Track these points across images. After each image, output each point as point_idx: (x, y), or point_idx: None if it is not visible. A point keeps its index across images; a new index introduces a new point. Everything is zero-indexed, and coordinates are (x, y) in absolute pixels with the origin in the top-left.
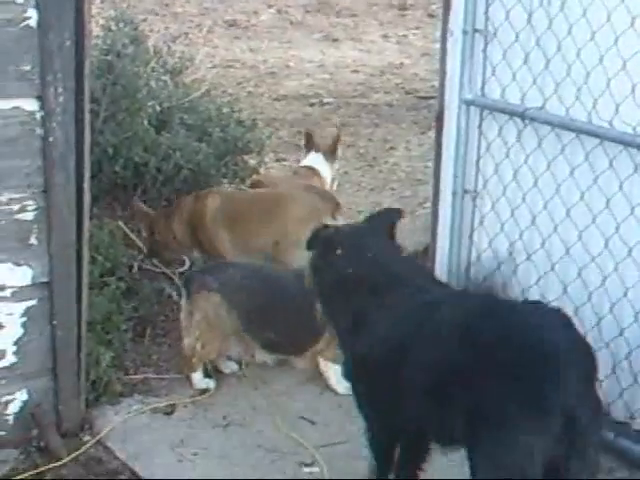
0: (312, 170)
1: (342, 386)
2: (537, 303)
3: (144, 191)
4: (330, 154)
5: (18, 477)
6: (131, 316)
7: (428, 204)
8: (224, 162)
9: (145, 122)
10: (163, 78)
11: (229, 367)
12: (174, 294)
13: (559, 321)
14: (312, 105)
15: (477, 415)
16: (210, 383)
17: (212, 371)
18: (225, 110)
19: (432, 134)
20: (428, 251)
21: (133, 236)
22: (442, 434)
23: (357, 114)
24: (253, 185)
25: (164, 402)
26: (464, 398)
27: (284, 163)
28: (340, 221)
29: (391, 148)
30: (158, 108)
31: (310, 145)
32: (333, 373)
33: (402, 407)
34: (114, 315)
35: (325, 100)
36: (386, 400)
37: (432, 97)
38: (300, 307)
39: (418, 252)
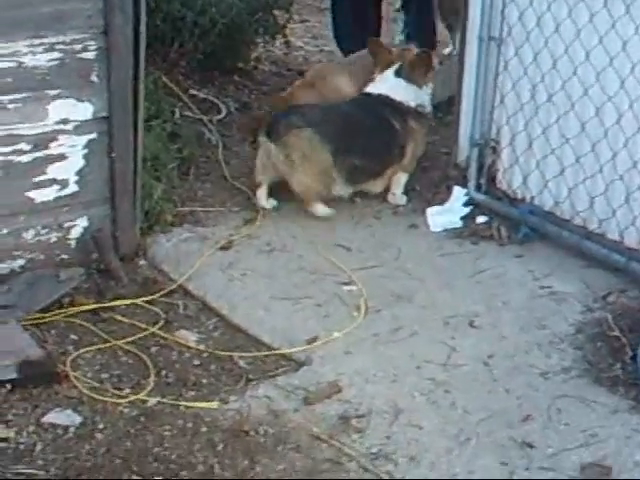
0: None
1: (404, 199)
2: None
3: (181, 44)
4: None
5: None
6: (176, 157)
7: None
8: (255, 18)
9: None
10: None
11: (270, 203)
12: (213, 138)
13: None
14: None
15: None
16: (330, 210)
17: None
18: None
19: None
20: (452, 101)
21: (172, 85)
22: None
23: None
24: None
25: (210, 231)
26: None
27: (307, 24)
28: None
29: None
30: None
31: None
32: (402, 186)
33: None
34: (161, 154)
35: None
36: None
37: None
38: (382, 130)
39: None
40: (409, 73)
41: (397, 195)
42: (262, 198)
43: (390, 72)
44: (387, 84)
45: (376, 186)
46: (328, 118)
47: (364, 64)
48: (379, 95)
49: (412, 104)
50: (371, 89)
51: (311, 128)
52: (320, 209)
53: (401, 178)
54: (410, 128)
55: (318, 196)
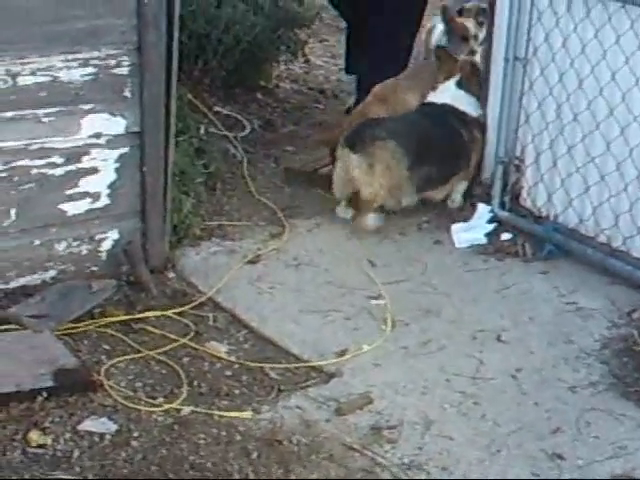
0: None
1: (462, 201)
2: None
3: (205, 62)
4: None
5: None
6: (202, 172)
7: None
8: (277, 35)
9: None
10: None
11: (348, 213)
12: (238, 154)
13: None
14: None
15: None
16: (380, 221)
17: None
18: None
19: None
20: None
21: (197, 102)
22: None
23: None
24: None
25: (238, 245)
26: None
27: (326, 43)
28: None
29: None
30: None
31: None
32: (462, 192)
33: None
34: (189, 169)
35: None
36: None
37: None
38: (453, 140)
39: None
40: (468, 84)
41: (457, 200)
42: (342, 212)
43: (452, 83)
44: (449, 93)
45: (439, 194)
46: (407, 130)
47: (424, 76)
48: (444, 105)
49: (474, 114)
50: (434, 98)
51: (394, 140)
52: (372, 219)
53: (463, 184)
54: (475, 138)
55: (375, 207)
